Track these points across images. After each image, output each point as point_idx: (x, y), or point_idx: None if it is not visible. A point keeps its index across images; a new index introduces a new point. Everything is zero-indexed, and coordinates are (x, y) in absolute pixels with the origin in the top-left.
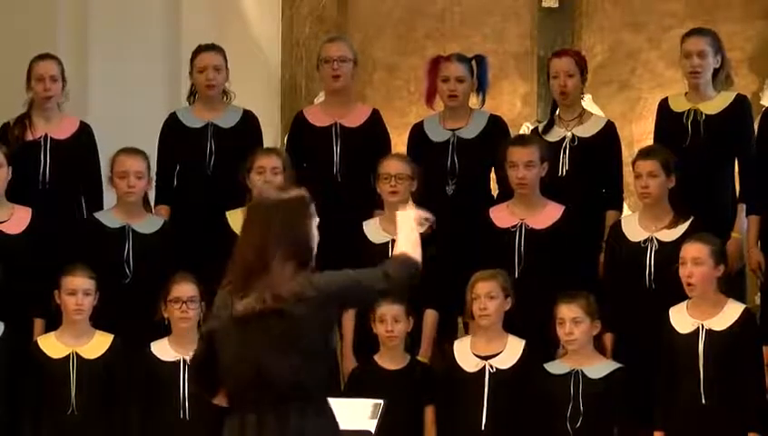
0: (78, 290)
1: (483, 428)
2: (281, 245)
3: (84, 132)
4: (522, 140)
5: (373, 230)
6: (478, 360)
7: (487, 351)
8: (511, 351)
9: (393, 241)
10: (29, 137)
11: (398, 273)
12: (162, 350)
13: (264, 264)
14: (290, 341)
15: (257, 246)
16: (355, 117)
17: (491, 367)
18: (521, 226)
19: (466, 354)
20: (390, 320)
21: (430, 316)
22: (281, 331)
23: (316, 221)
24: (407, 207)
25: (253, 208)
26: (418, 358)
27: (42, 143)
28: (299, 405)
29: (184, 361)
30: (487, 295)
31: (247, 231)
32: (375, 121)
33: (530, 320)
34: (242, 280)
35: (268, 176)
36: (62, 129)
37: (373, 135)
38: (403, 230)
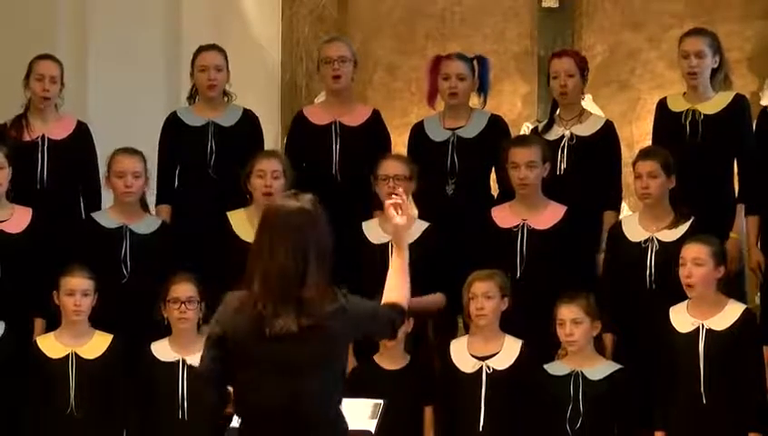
0: (77, 290)
1: (481, 429)
2: (317, 255)
3: (82, 131)
4: (524, 140)
5: (372, 230)
6: (475, 360)
7: (484, 351)
8: (508, 351)
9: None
10: (26, 138)
11: (398, 326)
12: (162, 350)
13: (303, 276)
14: (326, 361)
15: (295, 257)
16: (355, 116)
17: (488, 368)
18: (523, 226)
19: (462, 355)
20: None
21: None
22: (320, 350)
23: None
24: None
25: (280, 218)
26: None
27: (39, 144)
28: (324, 431)
29: (183, 361)
30: (485, 295)
31: (277, 242)
32: (375, 121)
33: (532, 320)
34: (278, 295)
35: (268, 180)
36: (59, 129)
37: (373, 135)
38: (398, 275)
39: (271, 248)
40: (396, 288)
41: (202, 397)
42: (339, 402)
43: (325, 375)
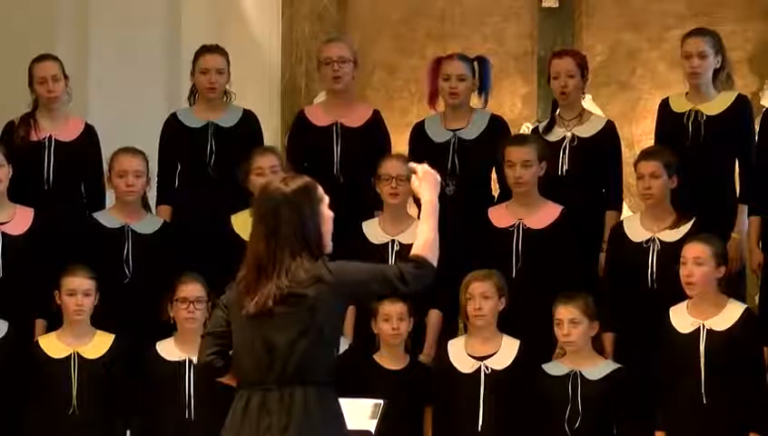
0: (78, 290)
1: (479, 429)
2: (291, 242)
3: (89, 134)
4: (519, 139)
5: (372, 230)
6: (473, 360)
7: (481, 351)
8: (506, 351)
9: (393, 241)
10: (34, 138)
11: (413, 280)
12: (168, 349)
13: (274, 263)
14: (302, 323)
15: (266, 245)
16: (356, 117)
17: (486, 368)
18: (519, 226)
19: (460, 355)
20: (395, 318)
21: (435, 316)
22: (295, 312)
23: (326, 202)
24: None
25: (261, 203)
26: (421, 359)
27: (46, 145)
28: (304, 388)
29: (189, 360)
30: (482, 295)
31: (256, 228)
32: (376, 121)
33: (528, 319)
34: (254, 280)
35: (268, 176)
36: (67, 131)
37: (374, 136)
38: (427, 221)
39: (253, 233)
40: (418, 236)
41: (201, 354)
42: (330, 377)
43: (304, 341)
